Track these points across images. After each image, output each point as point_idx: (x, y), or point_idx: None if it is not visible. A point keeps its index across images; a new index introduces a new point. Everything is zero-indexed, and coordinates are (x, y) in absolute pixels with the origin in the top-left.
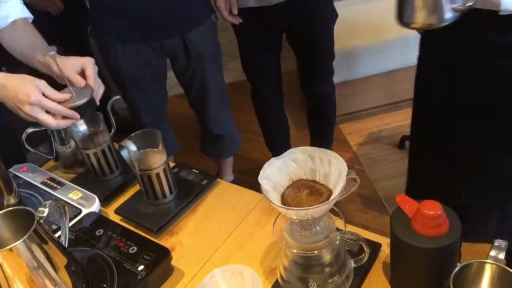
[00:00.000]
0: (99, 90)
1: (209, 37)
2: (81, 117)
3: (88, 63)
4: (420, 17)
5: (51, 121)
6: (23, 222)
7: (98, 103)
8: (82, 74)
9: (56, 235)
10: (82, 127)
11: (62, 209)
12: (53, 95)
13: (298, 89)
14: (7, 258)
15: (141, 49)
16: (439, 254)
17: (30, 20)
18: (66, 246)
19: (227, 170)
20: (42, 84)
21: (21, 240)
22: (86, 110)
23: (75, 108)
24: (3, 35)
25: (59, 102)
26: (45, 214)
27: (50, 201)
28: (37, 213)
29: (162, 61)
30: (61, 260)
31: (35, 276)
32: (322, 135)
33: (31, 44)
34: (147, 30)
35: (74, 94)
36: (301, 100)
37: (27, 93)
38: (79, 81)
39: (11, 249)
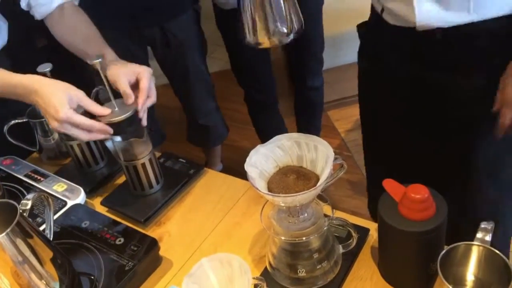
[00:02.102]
0: (146, 102)
1: (190, 27)
2: (121, 133)
3: (144, 74)
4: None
5: (82, 136)
6: (6, 215)
7: (144, 122)
8: (136, 84)
9: (41, 228)
10: (118, 139)
11: (46, 201)
12: (91, 107)
13: (284, 77)
14: None
15: (120, 37)
16: (426, 237)
17: (77, 2)
18: (50, 239)
19: (215, 159)
20: (78, 95)
21: (4, 234)
22: (127, 126)
23: (115, 123)
24: (53, 25)
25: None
26: (28, 207)
27: (34, 194)
28: (20, 205)
29: (141, 49)
30: (46, 253)
31: (20, 270)
32: (309, 126)
33: (83, 38)
34: (125, 18)
35: (116, 108)
36: (288, 88)
37: (55, 107)
38: (128, 97)
39: None
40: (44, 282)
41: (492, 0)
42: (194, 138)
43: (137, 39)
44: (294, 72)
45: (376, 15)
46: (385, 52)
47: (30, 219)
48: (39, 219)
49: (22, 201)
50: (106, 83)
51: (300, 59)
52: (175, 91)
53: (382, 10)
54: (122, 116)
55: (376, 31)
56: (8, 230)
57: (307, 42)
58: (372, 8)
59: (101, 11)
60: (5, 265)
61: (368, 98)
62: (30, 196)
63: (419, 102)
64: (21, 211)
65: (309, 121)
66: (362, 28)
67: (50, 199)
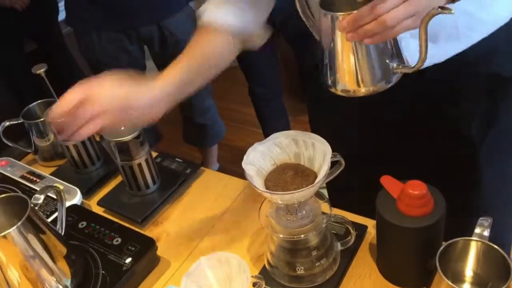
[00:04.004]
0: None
1: (186, 24)
2: (126, 151)
3: None
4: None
5: None
6: (17, 209)
7: None
8: None
9: None
10: None
11: (58, 195)
12: None
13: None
14: (1, 245)
15: (117, 36)
16: (425, 234)
17: None
18: (62, 234)
19: (212, 159)
20: None
21: (14, 227)
22: (133, 144)
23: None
24: None
25: None
26: (40, 201)
27: (47, 187)
28: (32, 199)
29: (138, 49)
30: (59, 250)
31: (30, 264)
32: None
33: None
34: (122, 17)
35: (122, 127)
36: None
37: None
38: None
39: (5, 236)
40: (55, 279)
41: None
42: (190, 138)
43: (134, 38)
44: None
45: None
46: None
47: (42, 214)
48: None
49: (34, 195)
50: None
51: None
52: None
53: None
54: (129, 136)
55: None
56: (19, 223)
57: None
58: None
59: (98, 12)
60: (15, 258)
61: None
62: (42, 190)
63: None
64: (32, 205)
65: None
66: None
67: (62, 193)
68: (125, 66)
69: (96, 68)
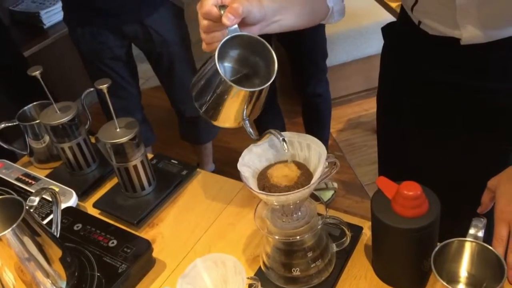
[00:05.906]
0: None
1: (172, 21)
2: (121, 153)
3: None
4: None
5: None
6: (12, 212)
7: None
8: None
9: None
10: None
11: (53, 197)
12: None
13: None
14: None
15: (100, 32)
16: (420, 234)
17: None
18: (57, 236)
19: (207, 159)
20: None
21: (9, 229)
22: (129, 147)
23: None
24: None
25: None
26: (35, 203)
27: (42, 190)
28: (27, 202)
29: (123, 46)
30: (54, 252)
31: (25, 266)
32: (317, 136)
33: None
34: (105, 15)
35: (118, 128)
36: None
37: None
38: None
39: (0, 239)
40: (50, 281)
41: None
42: (186, 134)
43: (119, 36)
44: (294, 78)
45: (408, 20)
46: (417, 55)
47: (37, 217)
48: None
49: (29, 197)
50: (110, 106)
51: (300, 66)
52: (163, 85)
53: (420, 22)
54: (125, 138)
55: (408, 34)
56: (14, 225)
57: (308, 50)
58: (403, 11)
59: (81, 9)
60: (10, 260)
61: (389, 97)
62: (37, 192)
63: (451, 107)
64: (27, 207)
65: (316, 132)
66: (388, 30)
67: (57, 195)
68: (109, 61)
69: (84, 62)
